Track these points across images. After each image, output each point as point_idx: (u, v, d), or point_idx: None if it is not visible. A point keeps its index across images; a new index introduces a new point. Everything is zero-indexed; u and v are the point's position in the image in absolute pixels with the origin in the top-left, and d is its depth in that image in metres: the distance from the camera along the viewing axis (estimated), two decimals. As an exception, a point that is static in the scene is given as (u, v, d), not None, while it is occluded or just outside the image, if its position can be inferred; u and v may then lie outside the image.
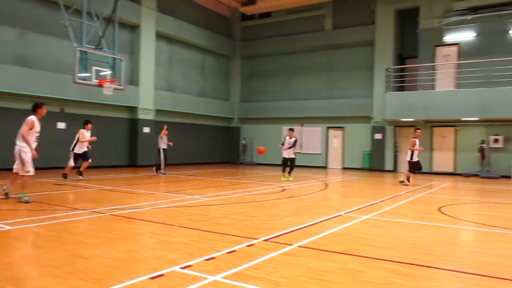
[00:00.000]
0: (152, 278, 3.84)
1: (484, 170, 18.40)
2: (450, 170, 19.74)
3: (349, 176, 17.84)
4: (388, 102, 19.66)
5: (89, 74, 13.17)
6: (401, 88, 20.28)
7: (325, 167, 23.19)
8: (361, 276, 4.09)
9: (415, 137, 13.98)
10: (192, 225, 6.35)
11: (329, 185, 13.90)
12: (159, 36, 21.08)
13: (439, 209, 8.69)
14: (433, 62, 20.00)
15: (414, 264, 4.60)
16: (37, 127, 8.08)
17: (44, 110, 8.26)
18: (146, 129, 20.06)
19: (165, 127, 16.06)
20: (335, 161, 23.33)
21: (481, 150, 18.51)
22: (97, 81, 13.29)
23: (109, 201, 8.68)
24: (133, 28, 19.94)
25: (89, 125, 13.14)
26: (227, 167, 21.96)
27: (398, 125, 21.00)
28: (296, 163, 23.69)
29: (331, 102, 23.03)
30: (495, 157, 18.52)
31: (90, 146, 13.19)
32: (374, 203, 9.36)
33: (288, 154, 14.83)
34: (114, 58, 13.97)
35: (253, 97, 26.14)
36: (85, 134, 12.92)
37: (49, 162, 15.15)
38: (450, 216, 7.91)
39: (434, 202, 9.87)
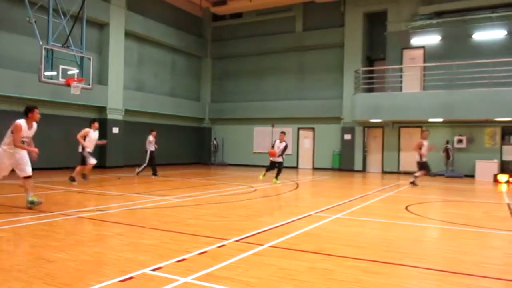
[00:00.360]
0: (122, 281, 3.77)
1: (448, 169, 18.98)
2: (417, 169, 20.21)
3: (319, 176, 18.05)
4: (357, 103, 20.01)
5: (55, 73, 12.81)
6: (370, 90, 20.68)
7: (296, 167, 23.38)
8: (331, 275, 4.14)
9: (422, 138, 14.35)
10: (162, 226, 6.28)
11: (300, 185, 14.02)
12: (129, 35, 20.75)
13: (406, 208, 8.91)
14: (400, 65, 20.49)
15: (383, 261, 4.70)
16: (25, 132, 7.52)
17: (35, 115, 7.69)
18: (115, 130, 19.70)
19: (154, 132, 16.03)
20: (305, 162, 23.55)
21: (446, 150, 19.11)
22: (64, 80, 12.94)
23: (77, 203, 8.48)
24: (102, 26, 19.55)
25: (96, 124, 12.66)
26: (198, 168, 21.82)
27: (367, 126, 21.40)
28: (268, 163, 23.96)
29: (301, 103, 23.24)
30: (459, 157, 19.13)
31: (105, 141, 13.04)
32: (344, 203, 9.50)
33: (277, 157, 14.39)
34: (82, 57, 13.67)
35: (224, 97, 26.09)
36: (90, 133, 12.33)
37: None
38: (417, 215, 8.12)
39: (401, 201, 10.11)
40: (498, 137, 18.84)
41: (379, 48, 21.72)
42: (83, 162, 12.25)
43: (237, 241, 5.45)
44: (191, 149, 25.39)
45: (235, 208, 8.41)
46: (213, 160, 25.72)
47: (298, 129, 23.78)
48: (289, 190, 12.30)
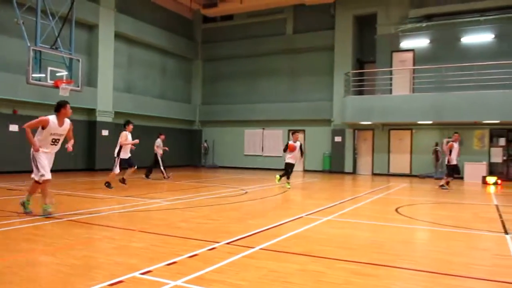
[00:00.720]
0: (111, 285, 3.74)
1: (438, 171, 19.13)
2: (407, 171, 20.41)
3: (310, 178, 18.08)
4: (348, 106, 20.11)
5: (43, 75, 12.70)
6: (360, 92, 20.80)
7: (286, 170, 23.37)
8: (321, 277, 4.15)
9: (453, 141, 14.16)
10: (152, 229, 6.24)
11: (290, 187, 14.02)
12: (118, 36, 20.64)
13: (396, 210, 8.96)
14: (390, 67, 20.64)
15: (373, 263, 4.72)
16: (53, 128, 7.11)
17: (68, 110, 7.32)
18: (105, 132, 19.56)
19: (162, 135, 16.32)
20: (296, 164, 23.52)
21: (435, 152, 19.27)
22: (52, 82, 12.83)
23: (66, 206, 8.39)
24: (91, 28, 19.42)
25: (130, 126, 12.12)
26: (188, 170, 21.74)
27: (357, 128, 21.51)
28: (259, 166, 24.03)
29: (292, 105, 23.29)
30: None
31: (133, 147, 12.34)
32: (334, 205, 9.53)
33: (294, 159, 13.72)
34: (70, 59, 13.57)
35: (215, 99, 26.05)
36: (128, 137, 11.89)
37: (1, 165, 14.50)
38: (407, 216, 8.17)
39: (391, 203, 10.16)
40: (486, 140, 19.04)
41: (369, 50, 21.86)
42: (130, 164, 11.92)
43: (227, 243, 5.43)
44: (181, 151, 25.29)
45: (226, 211, 8.39)
46: (203, 163, 25.65)
47: (289, 131, 23.80)
48: (280, 192, 12.30)
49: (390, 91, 20.24)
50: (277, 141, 23.93)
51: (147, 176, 15.45)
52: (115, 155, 11.80)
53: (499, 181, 16.90)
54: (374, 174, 20.99)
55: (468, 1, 19.00)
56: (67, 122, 7.36)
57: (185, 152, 25.58)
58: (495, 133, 18.97)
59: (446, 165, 14.29)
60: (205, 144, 25.73)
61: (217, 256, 4.80)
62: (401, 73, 20.52)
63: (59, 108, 7.25)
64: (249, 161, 24.29)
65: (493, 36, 18.92)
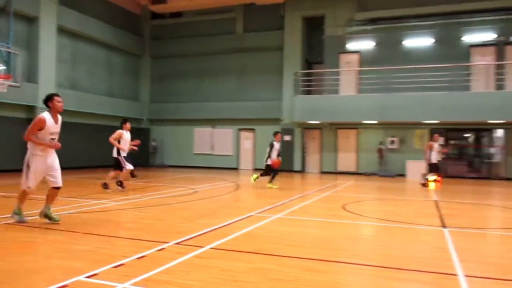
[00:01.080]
0: (53, 289, 3.56)
1: (382, 169, 19.89)
2: (353, 169, 21.04)
3: (260, 177, 18.16)
4: (296, 105, 20.43)
5: (-22, 69, 11.93)
6: (309, 92, 21.19)
7: (236, 169, 23.43)
8: (272, 275, 4.18)
9: (432, 141, 14.92)
10: (98, 231, 6.02)
11: (240, 186, 14.05)
12: (61, 30, 19.72)
13: (343, 207, 9.21)
14: (338, 68, 21.19)
15: (321, 259, 4.82)
16: (52, 127, 6.25)
17: (56, 104, 6.32)
18: (47, 130, 18.63)
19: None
20: (246, 163, 23.67)
21: (380, 150, 20.03)
22: (-12, 76, 12.09)
23: (3, 209, 7.91)
24: (31, 20, 18.41)
25: (128, 124, 11.43)
26: (136, 170, 21.16)
27: (306, 127, 21.91)
28: (209, 165, 23.88)
29: (242, 104, 23.33)
30: (391, 157, 20.11)
31: (136, 149, 11.65)
32: (284, 203, 9.64)
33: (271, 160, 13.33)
34: (8, 52, 12.83)
35: (164, 97, 25.57)
36: (124, 135, 11.26)
37: None
38: (354, 213, 8.42)
39: (339, 200, 10.43)
40: (426, 139, 20.01)
41: (318, 51, 22.31)
42: (118, 167, 11.23)
43: (177, 243, 5.35)
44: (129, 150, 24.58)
45: (175, 210, 8.26)
46: (152, 162, 25.13)
47: (239, 130, 23.86)
48: (229, 191, 12.28)
49: (338, 92, 20.78)
50: (227, 140, 23.90)
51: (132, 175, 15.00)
52: (115, 155, 11.26)
53: (438, 178, 17.80)
54: (322, 172, 21.47)
55: (410, 6, 19.88)
56: (60, 118, 6.53)
57: (132, 151, 24.84)
58: (435, 132, 19.93)
59: (427, 164, 15.00)
60: (154, 143, 25.21)
61: (167, 256, 4.71)
62: (348, 74, 21.13)
63: (48, 101, 6.35)
64: (199, 160, 24.08)
65: (433, 40, 19.91)
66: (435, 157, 14.81)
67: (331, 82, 20.94)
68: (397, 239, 6.15)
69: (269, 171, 13.38)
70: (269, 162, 13.31)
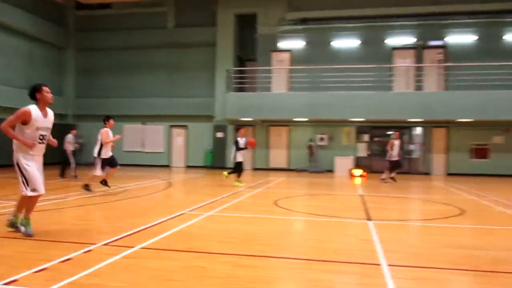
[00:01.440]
0: (-35, 299, 3.28)
1: (312, 165, 20.52)
2: (284, 166, 21.49)
3: (192, 174, 18.03)
4: (229, 102, 20.46)
5: None
6: (241, 89, 21.30)
7: (168, 166, 23.00)
8: (204, 272, 4.15)
9: (393, 139, 15.22)
10: (17, 234, 5.62)
11: (172, 183, 13.82)
12: (-26, 18, 18.15)
13: (275, 203, 9.38)
14: (270, 66, 21.51)
15: (254, 255, 4.87)
16: (40, 121, 5.54)
17: (45, 94, 5.70)
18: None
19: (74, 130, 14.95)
20: (178, 160, 23.31)
21: (310, 147, 20.65)
22: None
23: None
24: None
25: (111, 121, 11.04)
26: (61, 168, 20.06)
27: (239, 124, 21.98)
28: (139, 162, 23.21)
29: (174, 100, 22.91)
30: (321, 153, 20.81)
31: (114, 146, 10.98)
32: (216, 200, 9.63)
33: (243, 157, 13.33)
34: None
35: (90, 92, 24.42)
36: (109, 134, 10.75)
37: None
38: (285, 208, 8.61)
39: (270, 196, 10.61)
40: (353, 136, 20.94)
41: (250, 49, 22.48)
42: (113, 164, 10.91)
43: (105, 244, 5.14)
44: (52, 148, 23.22)
45: (103, 210, 7.94)
46: (79, 160, 23.88)
47: (171, 126, 23.43)
48: (161, 189, 12.04)
49: (269, 89, 21.10)
50: (159, 137, 23.38)
51: (61, 175, 14.54)
52: (96, 155, 10.64)
53: (364, 173, 18.74)
54: (255, 169, 21.70)
55: (339, 8, 20.64)
56: (50, 112, 5.82)
57: (56, 148, 23.46)
58: (361, 130, 20.96)
59: (388, 160, 15.39)
60: (80, 140, 24.01)
61: (94, 258, 4.52)
62: (280, 72, 21.52)
63: (33, 94, 5.67)
64: (129, 157, 23.30)
65: (360, 42, 20.84)
66: (396, 154, 15.31)
67: (263, 79, 21.21)
68: (326, 232, 6.38)
69: (240, 169, 13.22)
70: (238, 159, 13.17)
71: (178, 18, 23.44)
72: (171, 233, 5.94)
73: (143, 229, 6.12)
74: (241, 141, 13.17)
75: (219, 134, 22.08)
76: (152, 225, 6.43)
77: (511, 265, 4.73)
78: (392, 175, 15.40)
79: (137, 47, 23.72)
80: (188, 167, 22.80)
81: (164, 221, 6.84)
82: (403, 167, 19.82)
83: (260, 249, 5.15)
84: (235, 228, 6.56)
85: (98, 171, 10.59)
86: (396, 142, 15.33)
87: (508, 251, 5.37)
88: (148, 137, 23.46)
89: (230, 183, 13.13)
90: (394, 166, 15.41)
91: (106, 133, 10.82)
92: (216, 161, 22.12)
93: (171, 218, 7.14)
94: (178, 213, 7.59)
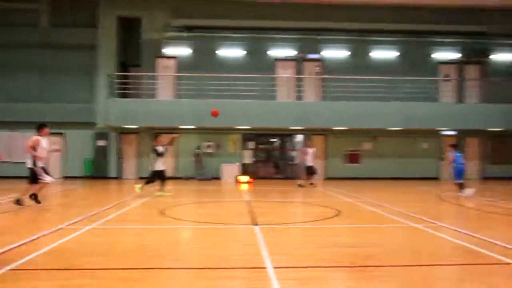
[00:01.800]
0: None
1: (199, 173, 20.50)
2: (171, 174, 21.09)
3: (70, 185, 16.77)
4: (112, 109, 19.50)
5: None
6: (125, 95, 20.46)
7: (42, 177, 21.04)
8: (86, 290, 3.89)
9: (306, 147, 15.97)
10: None
11: (47, 196, 12.69)
12: None
13: (162, 212, 9.16)
14: (155, 72, 21.04)
15: (140, 268, 4.69)
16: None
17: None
18: None
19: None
20: (53, 170, 21.46)
21: (197, 155, 20.62)
22: None
23: None
24: None
25: (46, 130, 10.05)
26: None
27: (123, 132, 21.10)
28: (5, 174, 20.84)
29: (48, 106, 21.04)
30: (208, 161, 20.90)
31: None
32: (98, 212, 9.08)
33: (164, 165, 12.91)
34: None
35: None
36: (41, 142, 9.69)
37: None
38: (172, 217, 8.46)
39: (157, 206, 10.33)
40: (239, 143, 21.43)
41: (135, 54, 21.73)
42: (34, 179, 9.72)
43: (-34, 269, 4.52)
44: None
45: (-37, 229, 6.98)
46: None
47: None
48: (33, 203, 10.97)
49: (155, 96, 20.61)
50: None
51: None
52: (32, 165, 9.66)
53: (250, 180, 19.27)
54: (140, 178, 20.93)
55: (222, 18, 21.03)
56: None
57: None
58: (246, 137, 21.53)
59: (305, 167, 16.33)
60: None
61: (-49, 285, 3.95)
62: (165, 78, 21.16)
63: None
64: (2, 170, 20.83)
65: (245, 52, 21.46)
66: (310, 161, 16.31)
67: (148, 86, 20.65)
68: (213, 239, 6.41)
69: (155, 178, 12.84)
70: (158, 168, 12.77)
71: (53, 16, 21.73)
72: (47, 250, 5.45)
73: (13, 248, 5.51)
74: (160, 149, 12.86)
75: (101, 142, 20.91)
76: (25, 243, 5.83)
77: (379, 259, 5.25)
78: (311, 181, 16.41)
79: (3, 45, 21.43)
80: (65, 177, 21.15)
81: (39, 237, 6.25)
82: (284, 173, 20.84)
83: (147, 261, 4.99)
84: (120, 240, 6.26)
85: (46, 178, 10.00)
86: (310, 150, 16.50)
87: (378, 246, 5.96)
88: (16, 146, 21.19)
89: (116, 194, 12.50)
90: (309, 172, 16.42)
91: (35, 141, 9.90)
92: (97, 170, 20.87)
93: (48, 233, 6.55)
94: (55, 228, 6.99)
